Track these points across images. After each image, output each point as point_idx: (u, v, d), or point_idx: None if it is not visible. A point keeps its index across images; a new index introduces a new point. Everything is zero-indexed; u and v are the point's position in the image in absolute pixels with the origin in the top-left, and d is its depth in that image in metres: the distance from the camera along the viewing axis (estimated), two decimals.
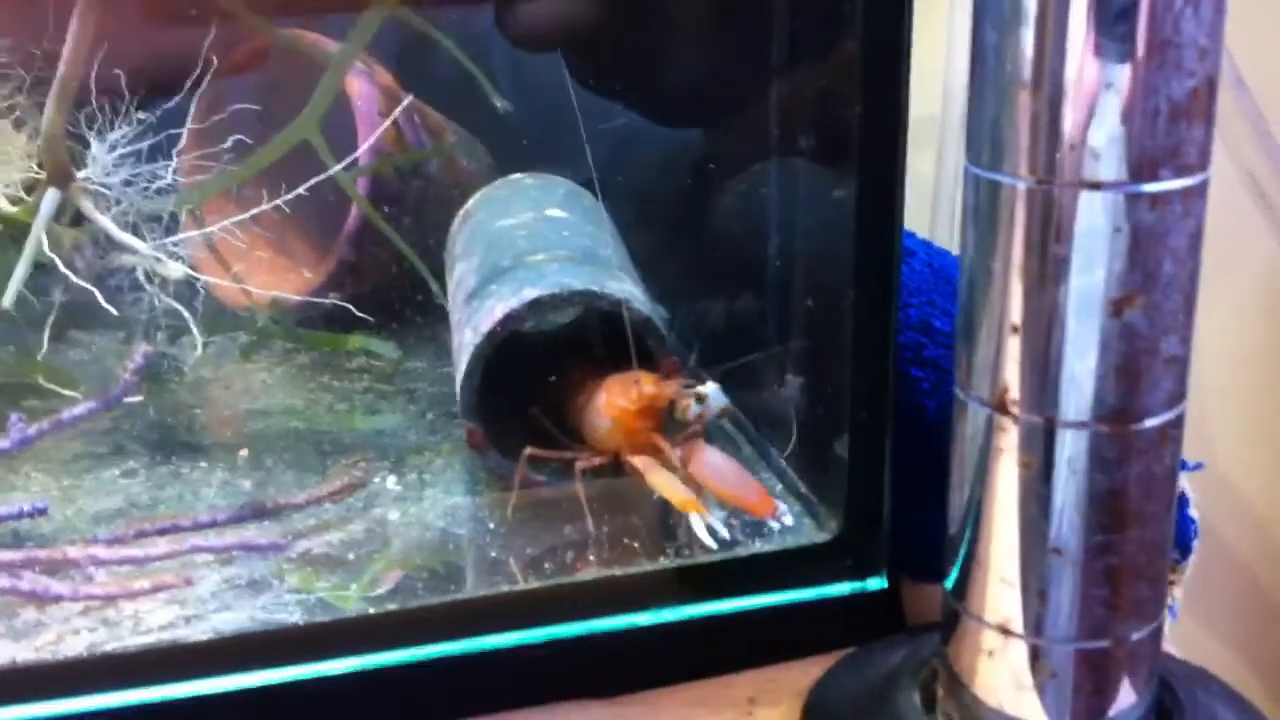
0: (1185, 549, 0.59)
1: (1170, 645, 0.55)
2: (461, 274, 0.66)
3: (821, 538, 0.56)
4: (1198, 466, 0.57)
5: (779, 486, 0.61)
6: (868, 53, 0.49)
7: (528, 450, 0.58)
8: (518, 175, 0.75)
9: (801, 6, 0.56)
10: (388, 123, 0.72)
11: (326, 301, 0.68)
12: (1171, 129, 0.37)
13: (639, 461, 0.56)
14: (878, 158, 0.50)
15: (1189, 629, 1.11)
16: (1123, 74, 0.37)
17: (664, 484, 0.55)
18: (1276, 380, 1.11)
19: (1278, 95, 1.02)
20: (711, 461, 0.55)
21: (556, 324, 0.67)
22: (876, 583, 0.56)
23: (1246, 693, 0.52)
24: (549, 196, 0.71)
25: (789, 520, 0.55)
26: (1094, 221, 0.38)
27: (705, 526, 0.54)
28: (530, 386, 0.62)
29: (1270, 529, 1.15)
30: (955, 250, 0.68)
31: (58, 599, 0.52)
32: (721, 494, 0.55)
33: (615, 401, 0.57)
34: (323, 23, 0.72)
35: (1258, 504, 1.14)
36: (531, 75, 0.74)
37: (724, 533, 0.54)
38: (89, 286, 0.62)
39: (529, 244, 0.64)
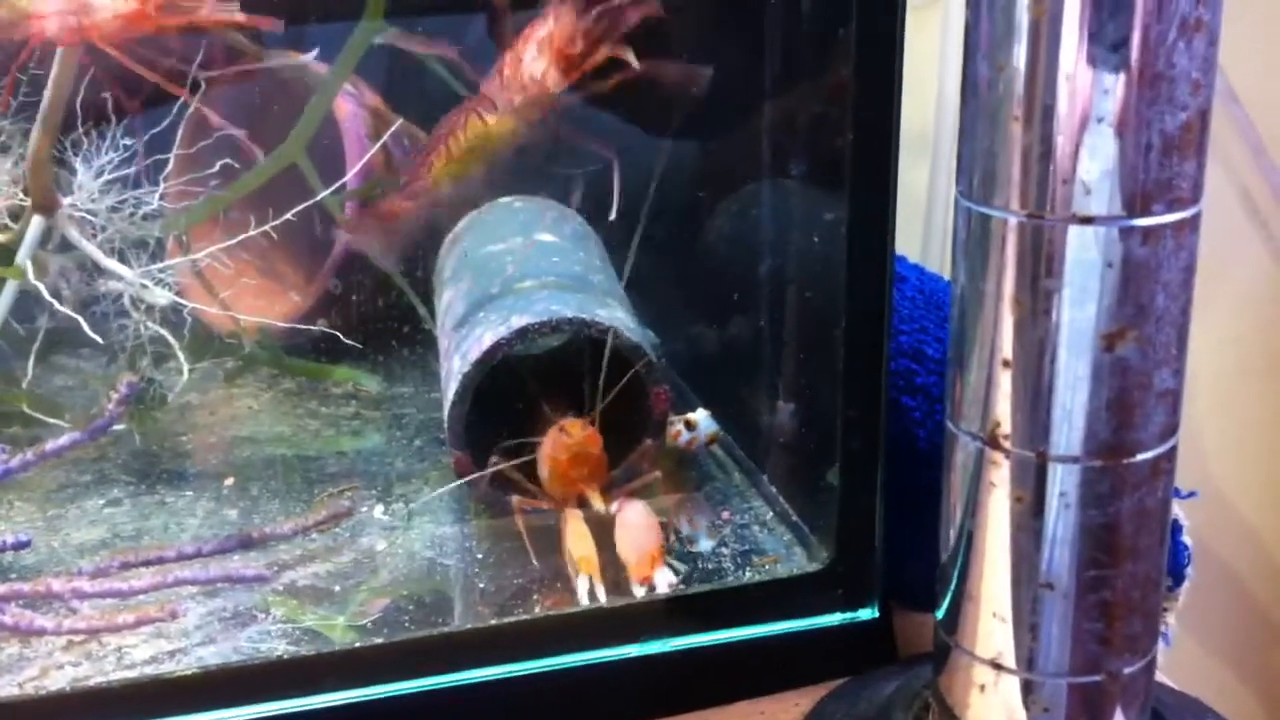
0: (1178, 576, 0.58)
1: (1168, 666, 0.54)
2: (450, 300, 0.66)
3: (813, 567, 0.56)
4: (1191, 495, 0.57)
5: (770, 515, 0.60)
6: (859, 81, 0.49)
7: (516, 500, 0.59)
8: (506, 199, 0.74)
9: (793, 35, 0.56)
10: (377, 146, 0.72)
11: (314, 329, 0.68)
12: (1164, 163, 0.37)
13: (565, 511, 0.57)
14: (869, 184, 0.50)
15: (1187, 649, 1.11)
16: (1114, 108, 0.36)
17: (570, 536, 0.55)
18: (1271, 398, 1.11)
19: (1272, 112, 1.02)
20: (628, 520, 0.55)
21: (547, 348, 0.66)
22: (868, 613, 0.55)
23: (1244, 712, 0.51)
24: (538, 220, 0.71)
25: (665, 589, 0.53)
26: (1086, 255, 0.38)
27: (587, 588, 0.53)
28: (518, 414, 0.62)
29: (1267, 547, 1.14)
30: (947, 274, 0.68)
31: (41, 633, 0.51)
32: (619, 549, 0.55)
33: (547, 452, 0.58)
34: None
35: (1254, 523, 1.13)
36: None
37: (601, 598, 0.53)
38: (73, 314, 0.62)
39: (518, 270, 0.64)
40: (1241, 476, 1.12)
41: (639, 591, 0.53)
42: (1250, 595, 1.15)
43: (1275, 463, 1.12)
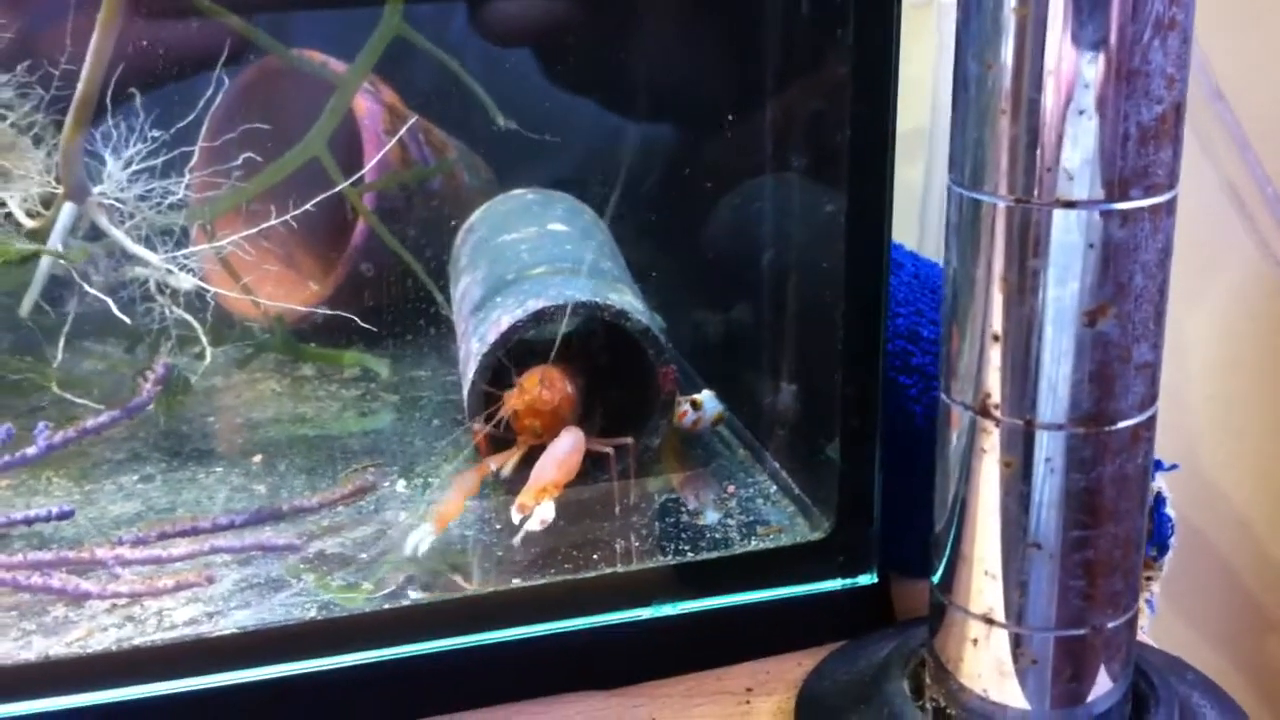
0: (1163, 547, 0.61)
1: (1154, 640, 0.57)
2: (466, 286, 0.69)
3: (815, 536, 0.59)
4: (1174, 468, 0.60)
5: (774, 489, 0.63)
6: (857, 74, 0.52)
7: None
8: (520, 190, 0.77)
9: (791, 33, 0.59)
10: (394, 140, 0.75)
11: (321, 312, 0.71)
12: (1141, 151, 0.40)
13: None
14: (867, 176, 0.53)
15: (1176, 628, 1.13)
16: (1094, 101, 0.39)
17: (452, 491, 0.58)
18: (1260, 385, 1.14)
19: (1256, 108, 1.05)
20: (553, 445, 0.58)
21: (558, 334, 0.69)
22: (867, 578, 0.58)
23: (1231, 690, 0.54)
24: (550, 211, 0.74)
25: (535, 526, 0.55)
26: (1069, 237, 0.41)
27: (417, 541, 0.57)
28: None
29: (1256, 531, 1.17)
30: (941, 261, 0.71)
31: (86, 597, 0.54)
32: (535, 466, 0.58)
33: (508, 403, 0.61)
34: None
35: (1244, 507, 1.16)
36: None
37: (418, 549, 0.57)
38: (104, 297, 0.64)
39: (531, 257, 0.67)
40: (1234, 465, 1.15)
41: (515, 517, 0.56)
42: (1242, 582, 1.18)
43: (1267, 452, 1.15)
